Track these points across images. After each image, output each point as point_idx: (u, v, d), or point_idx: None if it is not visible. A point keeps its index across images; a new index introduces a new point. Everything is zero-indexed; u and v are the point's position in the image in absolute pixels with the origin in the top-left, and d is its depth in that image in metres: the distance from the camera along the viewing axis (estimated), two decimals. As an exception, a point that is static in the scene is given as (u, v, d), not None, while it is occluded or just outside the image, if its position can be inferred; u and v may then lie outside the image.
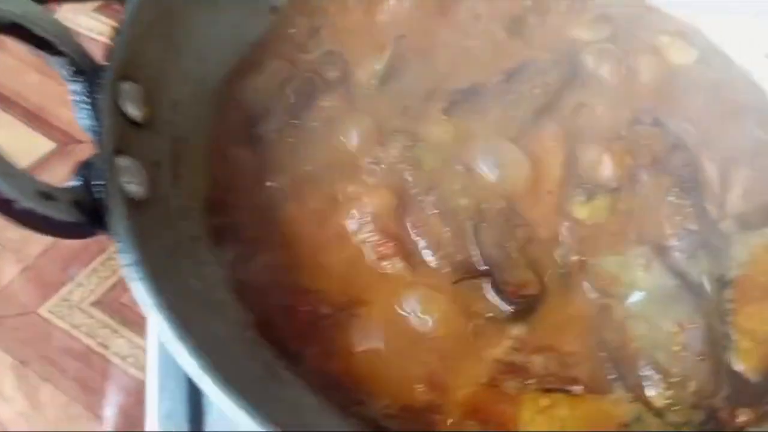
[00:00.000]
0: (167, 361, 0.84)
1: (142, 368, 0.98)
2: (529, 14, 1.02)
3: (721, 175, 0.87)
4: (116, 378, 1.01)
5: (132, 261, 0.60)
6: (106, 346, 1.04)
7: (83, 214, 0.62)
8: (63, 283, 1.12)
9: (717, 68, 1.00)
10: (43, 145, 1.27)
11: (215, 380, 0.56)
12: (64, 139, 1.28)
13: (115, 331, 1.06)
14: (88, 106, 0.70)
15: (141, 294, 0.59)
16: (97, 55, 0.72)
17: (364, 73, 0.93)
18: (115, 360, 1.03)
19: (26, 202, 0.56)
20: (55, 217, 0.59)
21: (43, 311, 1.09)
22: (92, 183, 0.64)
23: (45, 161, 1.25)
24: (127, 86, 0.72)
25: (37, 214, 0.58)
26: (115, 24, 0.74)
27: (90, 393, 1.01)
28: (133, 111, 0.72)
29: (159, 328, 0.58)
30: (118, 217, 0.62)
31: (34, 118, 1.30)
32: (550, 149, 0.88)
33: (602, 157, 0.88)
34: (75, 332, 1.06)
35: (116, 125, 0.69)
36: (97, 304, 1.09)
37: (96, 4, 1.46)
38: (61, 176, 1.16)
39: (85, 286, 1.10)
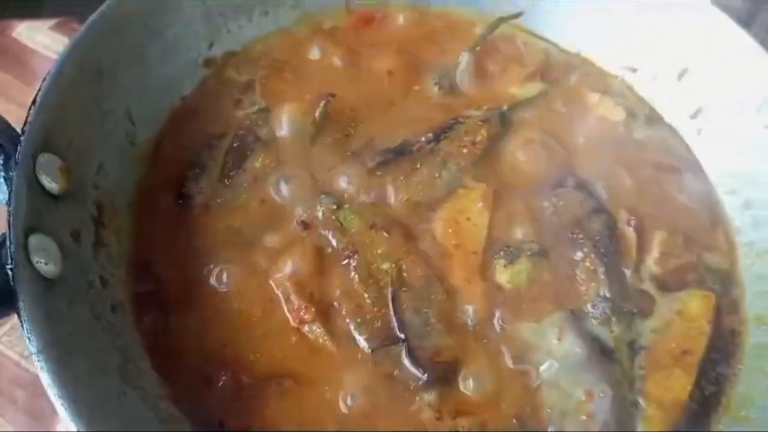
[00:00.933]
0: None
1: None
2: (461, 70, 1.03)
3: (638, 239, 0.90)
4: None
5: (36, 348, 0.60)
6: None
7: (-7, 297, 0.62)
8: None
9: (644, 127, 1.02)
10: None
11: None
12: None
13: None
14: (3, 181, 0.70)
15: (44, 382, 0.59)
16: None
17: (294, 131, 0.93)
18: None
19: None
20: (-41, 303, 0.59)
21: None
22: (2, 265, 0.64)
23: None
24: (44, 158, 0.72)
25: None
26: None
27: (39, 424, 1.00)
28: (50, 184, 0.72)
29: (64, 418, 0.58)
30: (26, 301, 0.63)
31: None
32: (476, 210, 0.90)
33: (525, 220, 0.90)
34: (24, 363, 1.03)
35: (31, 201, 0.69)
36: None
37: (53, 21, 1.45)
38: None
39: None
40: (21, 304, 0.62)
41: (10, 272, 0.63)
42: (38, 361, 0.60)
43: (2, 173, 0.71)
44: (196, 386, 0.76)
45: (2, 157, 0.71)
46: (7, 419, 1.01)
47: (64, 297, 0.68)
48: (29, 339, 0.61)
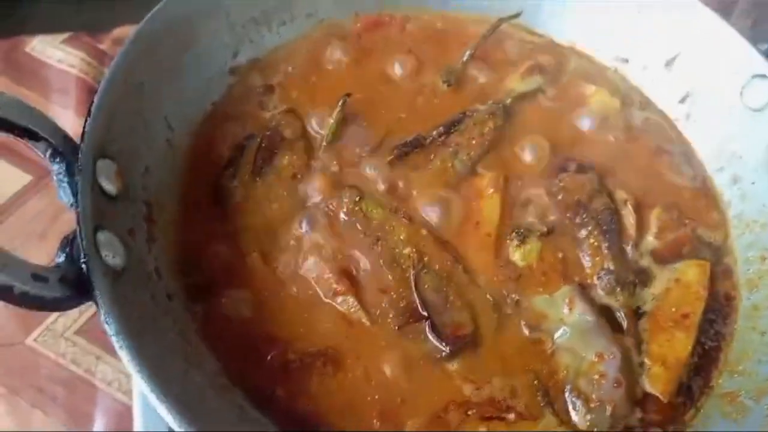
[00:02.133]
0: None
1: (127, 392, 1.04)
2: (466, 67, 1.12)
3: (636, 217, 0.98)
4: (103, 403, 1.05)
5: (115, 331, 0.68)
6: (91, 373, 1.08)
7: (70, 289, 0.70)
8: (46, 314, 1.14)
9: (637, 113, 1.11)
10: (19, 178, 1.30)
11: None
12: (40, 172, 1.30)
13: (99, 358, 1.09)
14: (67, 185, 0.78)
15: (125, 359, 0.67)
16: (76, 132, 0.79)
17: (315, 130, 1.01)
18: (101, 385, 1.07)
19: (22, 286, 0.65)
20: (46, 296, 0.67)
21: (29, 341, 1.11)
22: (76, 259, 0.72)
23: (22, 195, 1.28)
24: (102, 164, 0.80)
25: (32, 295, 0.66)
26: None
27: (78, 418, 1.05)
28: (109, 186, 0.80)
29: (143, 389, 0.66)
30: (101, 290, 0.71)
31: (9, 152, 1.31)
32: (488, 196, 0.99)
33: (533, 203, 0.98)
34: (61, 360, 1.10)
35: (94, 203, 0.77)
36: (80, 332, 1.12)
37: (65, 36, 1.50)
38: (38, 208, 1.23)
39: (68, 315, 1.13)
40: (96, 293, 0.70)
41: (84, 266, 0.71)
42: (116, 342, 0.68)
43: (66, 179, 0.78)
44: (247, 363, 0.84)
45: (65, 164, 0.79)
46: (49, 415, 1.07)
47: (129, 286, 0.76)
48: (107, 323, 0.69)
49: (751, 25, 1.42)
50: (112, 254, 0.75)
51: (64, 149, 0.79)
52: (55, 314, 1.15)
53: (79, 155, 0.77)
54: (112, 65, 0.87)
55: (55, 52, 1.47)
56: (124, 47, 0.90)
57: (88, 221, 0.74)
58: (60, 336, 1.13)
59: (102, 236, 0.75)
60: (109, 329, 0.69)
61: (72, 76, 1.41)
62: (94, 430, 1.03)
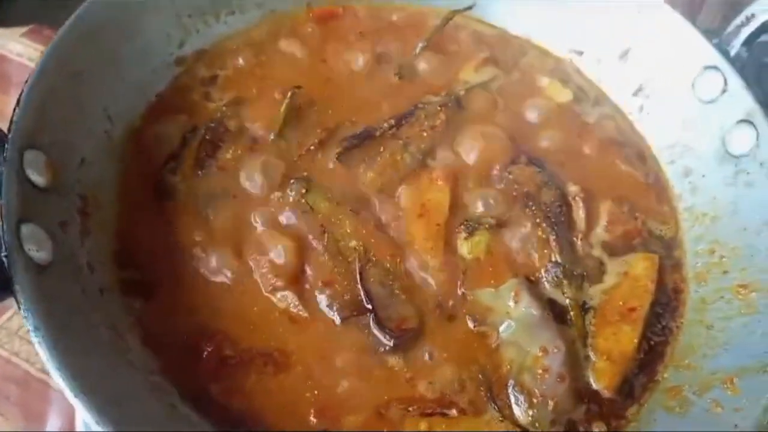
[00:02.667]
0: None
1: None
2: (419, 59, 1.10)
3: (586, 209, 0.97)
4: (57, 402, 1.03)
5: (33, 326, 0.66)
6: (45, 371, 1.04)
7: (-10, 283, 0.68)
8: (1, 311, 1.14)
9: (590, 106, 1.10)
10: None
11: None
12: None
13: None
14: (-6, 177, 0.75)
15: (43, 357, 0.65)
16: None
17: (263, 122, 0.99)
18: (55, 385, 0.99)
19: (-66, 278, 0.62)
20: (-37, 288, 0.65)
21: None
22: (-2, 253, 0.69)
23: None
24: (30, 155, 0.78)
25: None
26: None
27: (32, 417, 1.03)
28: (37, 177, 0.78)
29: (62, 388, 0.64)
30: (21, 284, 0.68)
31: None
32: (437, 188, 0.97)
33: (482, 195, 0.97)
34: (14, 359, 1.08)
35: (20, 194, 0.74)
36: None
37: (25, 29, 1.47)
38: None
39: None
40: (17, 288, 0.68)
41: (4, 259, 0.69)
42: (35, 337, 0.66)
43: (-8, 170, 0.76)
44: (182, 359, 0.82)
45: (-9, 155, 0.76)
46: (2, 412, 1.05)
47: (56, 280, 0.74)
48: (26, 318, 0.67)
49: (720, 22, 1.42)
50: (37, 248, 0.73)
51: (-9, 140, 0.76)
52: (9, 312, 1.13)
53: (5, 145, 0.75)
54: (46, 52, 0.85)
55: (15, 46, 1.45)
56: (60, 33, 0.87)
57: (12, 214, 0.72)
58: (14, 334, 1.12)
59: (26, 229, 0.73)
60: (28, 324, 0.67)
61: (32, 69, 1.38)
62: (48, 429, 1.02)
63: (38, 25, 1.49)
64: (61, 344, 0.67)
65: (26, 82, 0.81)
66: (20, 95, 0.80)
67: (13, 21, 1.50)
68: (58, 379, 0.65)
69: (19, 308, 0.68)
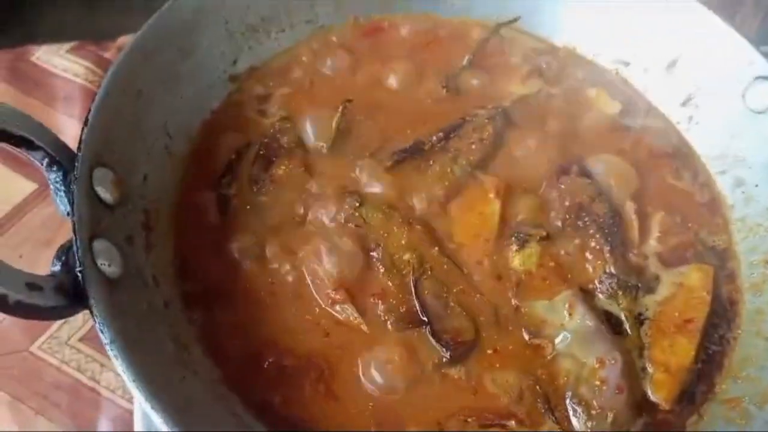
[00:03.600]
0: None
1: (130, 399, 1.04)
2: (466, 72, 1.11)
3: (639, 220, 0.97)
4: (106, 409, 1.05)
5: (109, 339, 0.68)
6: (95, 380, 1.09)
7: (65, 298, 0.70)
8: (51, 322, 1.14)
9: (639, 117, 1.10)
10: (24, 186, 1.29)
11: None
12: (44, 180, 1.32)
13: (103, 365, 1.10)
14: (64, 195, 0.78)
15: (119, 369, 0.67)
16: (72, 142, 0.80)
17: (315, 137, 1.01)
18: (105, 392, 1.07)
19: (17, 295, 0.65)
20: (41, 304, 0.67)
21: (34, 348, 1.11)
22: (72, 268, 0.72)
23: (27, 203, 1.27)
24: (99, 173, 0.80)
25: (26, 304, 0.66)
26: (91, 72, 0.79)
27: (82, 425, 1.05)
28: (106, 195, 0.80)
29: (138, 399, 0.66)
30: (96, 298, 0.71)
31: (13, 160, 1.31)
32: (488, 200, 0.98)
33: (534, 207, 0.98)
34: (65, 368, 1.10)
35: (91, 211, 0.77)
36: (84, 339, 1.12)
37: (70, 45, 1.51)
38: (44, 216, 1.23)
39: (71, 323, 1.13)
40: (92, 302, 0.70)
41: (79, 274, 0.71)
42: (111, 350, 0.68)
43: (63, 188, 0.78)
44: (243, 369, 0.84)
45: (61, 173, 0.79)
46: (54, 421, 1.08)
47: (125, 294, 0.76)
48: (102, 332, 0.69)
49: (758, 25, 1.41)
50: (108, 262, 0.75)
51: (60, 158, 0.79)
52: (59, 322, 1.15)
53: (75, 164, 0.77)
54: (109, 73, 0.88)
55: (60, 61, 1.48)
56: (122, 55, 0.90)
57: (84, 230, 0.74)
58: (64, 343, 1.13)
59: (98, 244, 0.75)
60: (104, 338, 0.69)
61: (77, 84, 1.42)
62: (98, 433, 1.03)
63: (82, 41, 1.52)
64: (135, 356, 0.69)
65: (92, 101, 0.84)
66: (87, 115, 0.83)
67: (58, 36, 1.54)
68: (134, 390, 0.67)
69: (95, 321, 0.70)
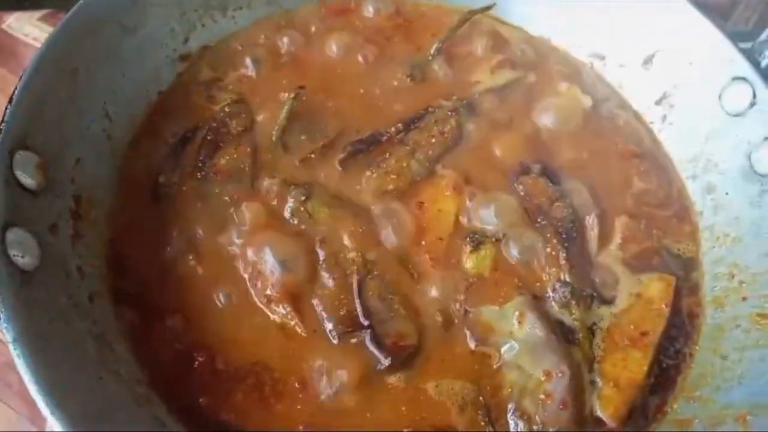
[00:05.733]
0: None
1: None
2: (433, 60, 1.06)
3: (600, 225, 0.93)
4: None
5: (12, 338, 0.64)
6: None
7: (-28, 290, 0.66)
8: None
9: (610, 114, 1.05)
10: None
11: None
12: None
13: None
14: (-20, 178, 0.73)
15: (20, 369, 0.63)
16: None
17: (265, 124, 0.96)
18: None
19: None
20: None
21: None
22: (-20, 259, 0.67)
23: None
24: (21, 156, 0.76)
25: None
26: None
27: (33, 406, 1.03)
28: (27, 179, 0.76)
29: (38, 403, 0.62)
30: (4, 293, 0.66)
31: None
32: (444, 197, 0.93)
33: (491, 207, 0.93)
34: None
35: (8, 198, 0.72)
36: None
37: (42, 12, 1.46)
38: None
39: None
40: (-1, 295, 0.66)
41: (-12, 265, 0.67)
42: (14, 349, 0.64)
43: (-20, 170, 0.73)
44: (173, 369, 0.79)
45: (-21, 154, 0.74)
46: (4, 401, 1.04)
47: (41, 287, 0.72)
48: (6, 328, 0.65)
49: (756, 20, 1.35)
50: (22, 254, 0.71)
51: (-22, 138, 0.74)
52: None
53: (-5, 145, 0.73)
54: (40, 50, 0.82)
55: (31, 30, 1.43)
56: (58, 27, 0.85)
57: (-3, 218, 0.70)
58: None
59: (12, 234, 0.71)
60: (8, 335, 0.64)
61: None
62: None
63: (56, 9, 1.47)
64: (41, 356, 0.66)
65: (20, 79, 0.79)
66: (12, 93, 0.77)
67: (33, 4, 1.48)
68: (34, 394, 0.63)
69: (0, 317, 0.65)
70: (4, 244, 0.69)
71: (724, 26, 0.97)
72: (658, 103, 1.04)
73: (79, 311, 0.77)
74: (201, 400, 0.79)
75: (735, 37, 0.96)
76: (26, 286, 0.70)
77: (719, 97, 0.96)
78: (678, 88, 1.02)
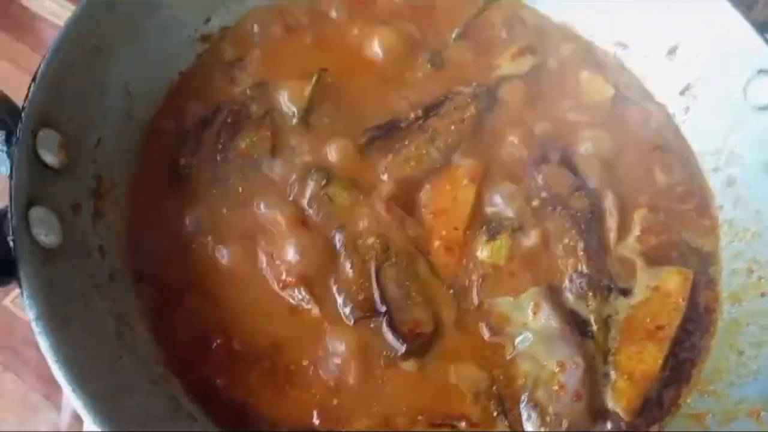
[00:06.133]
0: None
1: None
2: (454, 46, 1.05)
3: (620, 217, 0.92)
4: None
5: (35, 315, 0.65)
6: None
7: (-3, 266, 0.67)
8: None
9: (632, 104, 1.03)
10: None
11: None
12: None
13: None
14: (6, 156, 0.74)
15: (42, 348, 0.64)
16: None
17: (287, 106, 0.96)
18: None
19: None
20: (-32, 273, 0.64)
21: (6, 302, 1.11)
22: (5, 236, 0.68)
23: None
24: (44, 134, 0.76)
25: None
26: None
27: (49, 383, 1.04)
28: (50, 158, 0.76)
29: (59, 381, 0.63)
30: (25, 270, 0.67)
31: None
32: (462, 186, 0.93)
33: (509, 196, 0.92)
34: None
35: (31, 176, 0.73)
36: None
37: (59, -14, 1.46)
38: None
39: None
40: (21, 273, 0.67)
41: (11, 243, 0.68)
42: (36, 326, 0.65)
43: (5, 147, 0.74)
44: (190, 349, 0.80)
45: (5, 131, 0.74)
46: (21, 377, 1.06)
47: (63, 266, 0.73)
48: (28, 306, 0.65)
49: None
50: (45, 232, 0.72)
51: (6, 117, 0.74)
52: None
53: (18, 124, 0.73)
54: (63, 27, 0.82)
55: (50, 5, 1.44)
56: (79, 8, 0.84)
57: (21, 195, 0.71)
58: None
59: (35, 213, 0.72)
60: (30, 313, 0.65)
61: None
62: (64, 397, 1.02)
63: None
64: (62, 335, 0.66)
65: (43, 57, 0.79)
66: (36, 71, 0.78)
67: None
68: (55, 372, 0.64)
69: (22, 294, 0.66)
70: (27, 222, 0.70)
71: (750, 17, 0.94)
72: (681, 93, 1.02)
73: (99, 290, 0.78)
74: (218, 381, 0.80)
75: (762, 28, 0.94)
76: (48, 264, 0.71)
77: (744, 89, 0.94)
78: (702, 79, 1.00)
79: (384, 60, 1.03)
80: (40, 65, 0.79)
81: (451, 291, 0.86)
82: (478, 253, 0.88)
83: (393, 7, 1.09)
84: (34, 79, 0.77)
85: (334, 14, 1.06)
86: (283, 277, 0.83)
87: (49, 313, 0.66)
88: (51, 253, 0.72)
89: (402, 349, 0.81)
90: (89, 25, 0.85)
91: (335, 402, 0.79)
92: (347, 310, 0.83)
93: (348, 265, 0.85)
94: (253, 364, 0.81)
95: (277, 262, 0.85)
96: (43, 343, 0.64)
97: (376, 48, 1.04)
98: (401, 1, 1.09)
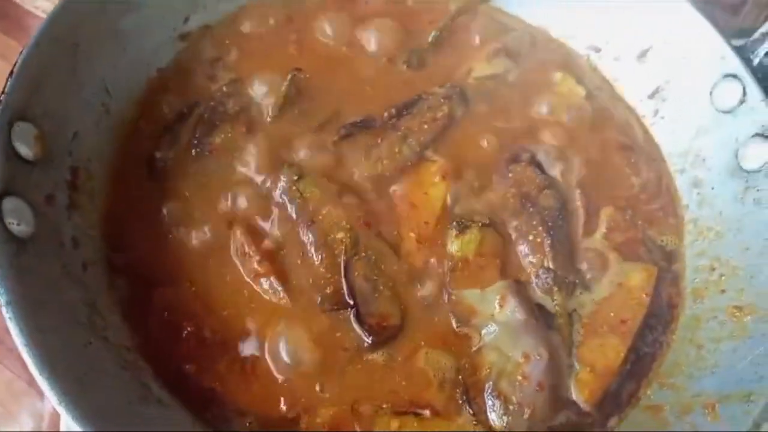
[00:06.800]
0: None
1: None
2: (431, 48, 1.07)
3: (587, 214, 0.94)
4: None
5: (5, 301, 0.66)
6: None
7: (-33, 256, 0.68)
8: None
9: (603, 105, 1.06)
10: None
11: (77, 419, 0.63)
12: None
13: None
14: (-20, 147, 0.75)
15: (12, 332, 0.66)
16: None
17: (262, 103, 0.98)
18: None
19: None
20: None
21: None
22: (-24, 225, 0.70)
23: None
24: (20, 127, 0.78)
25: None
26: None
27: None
28: (25, 150, 0.78)
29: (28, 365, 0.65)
30: (-2, 258, 0.69)
31: None
32: (433, 183, 0.95)
33: (479, 193, 0.94)
34: None
35: (6, 167, 0.74)
36: None
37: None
38: None
39: None
40: (-7, 260, 0.68)
41: (-16, 232, 0.69)
42: (6, 312, 0.66)
43: (-22, 140, 0.76)
44: (162, 336, 0.82)
45: (-22, 124, 0.76)
46: (5, 365, 1.07)
47: (35, 255, 0.74)
48: (0, 293, 0.67)
49: (763, 20, 1.35)
50: (17, 221, 0.73)
51: (-22, 108, 0.76)
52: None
53: (-5, 115, 0.75)
54: (42, 24, 0.84)
55: (42, 2, 1.45)
56: (57, 5, 0.86)
57: (-5, 186, 0.72)
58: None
59: (9, 203, 0.73)
60: (1, 299, 0.67)
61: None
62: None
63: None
64: (33, 321, 0.68)
65: (21, 52, 0.81)
66: (14, 65, 0.80)
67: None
68: (26, 357, 0.65)
69: (-6, 281, 0.68)
70: (1, 212, 0.72)
71: (718, 22, 0.97)
72: (651, 96, 1.05)
73: (72, 279, 0.79)
74: (187, 367, 0.82)
75: (741, 34, 0.97)
76: (21, 253, 0.72)
77: (710, 93, 0.96)
78: (671, 82, 1.03)
79: (360, 59, 1.05)
80: (17, 60, 0.80)
81: (420, 284, 0.88)
82: (448, 247, 0.90)
83: (371, 9, 1.11)
84: (11, 74, 0.79)
85: (313, 14, 1.08)
86: (255, 266, 0.85)
87: (21, 299, 0.68)
88: (23, 242, 0.73)
89: (368, 340, 0.83)
90: (68, 21, 0.87)
91: (302, 390, 0.81)
92: (317, 303, 0.85)
93: (318, 259, 0.87)
94: (222, 352, 0.83)
95: (250, 254, 0.86)
96: (13, 328, 0.66)
97: (353, 46, 1.06)
98: (380, 2, 1.11)
